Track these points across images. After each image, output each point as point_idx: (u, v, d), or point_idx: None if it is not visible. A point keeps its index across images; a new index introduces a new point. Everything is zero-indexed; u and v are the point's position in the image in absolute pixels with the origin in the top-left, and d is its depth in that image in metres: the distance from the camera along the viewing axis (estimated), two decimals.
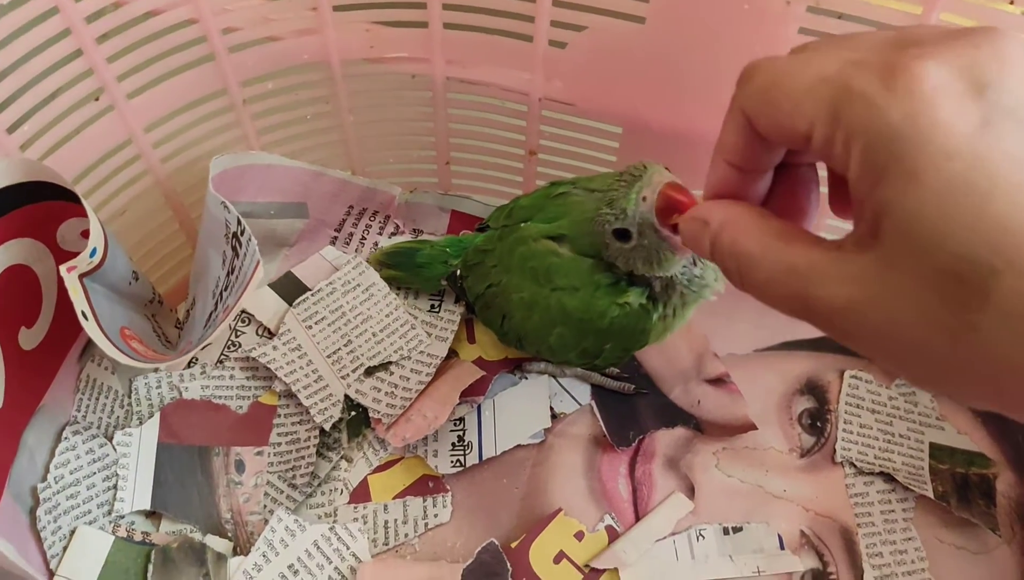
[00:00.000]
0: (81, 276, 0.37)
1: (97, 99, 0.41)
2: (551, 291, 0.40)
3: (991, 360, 0.19)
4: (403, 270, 0.49)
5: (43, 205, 0.39)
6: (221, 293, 0.42)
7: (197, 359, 0.48)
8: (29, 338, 0.41)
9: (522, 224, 0.42)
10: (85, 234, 0.40)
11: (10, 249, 0.38)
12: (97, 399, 0.45)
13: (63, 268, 0.36)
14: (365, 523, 0.44)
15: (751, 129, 0.23)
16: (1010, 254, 0.18)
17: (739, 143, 0.24)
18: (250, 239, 0.39)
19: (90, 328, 0.36)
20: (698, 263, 0.38)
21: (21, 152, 0.39)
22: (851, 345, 0.22)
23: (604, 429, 0.46)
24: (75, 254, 0.37)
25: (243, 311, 0.49)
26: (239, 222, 0.40)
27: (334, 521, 0.44)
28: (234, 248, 0.41)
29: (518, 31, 0.43)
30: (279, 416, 0.46)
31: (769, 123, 0.23)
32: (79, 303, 0.36)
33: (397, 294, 0.50)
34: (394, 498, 0.45)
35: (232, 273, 0.41)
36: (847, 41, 0.22)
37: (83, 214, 0.38)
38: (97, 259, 0.37)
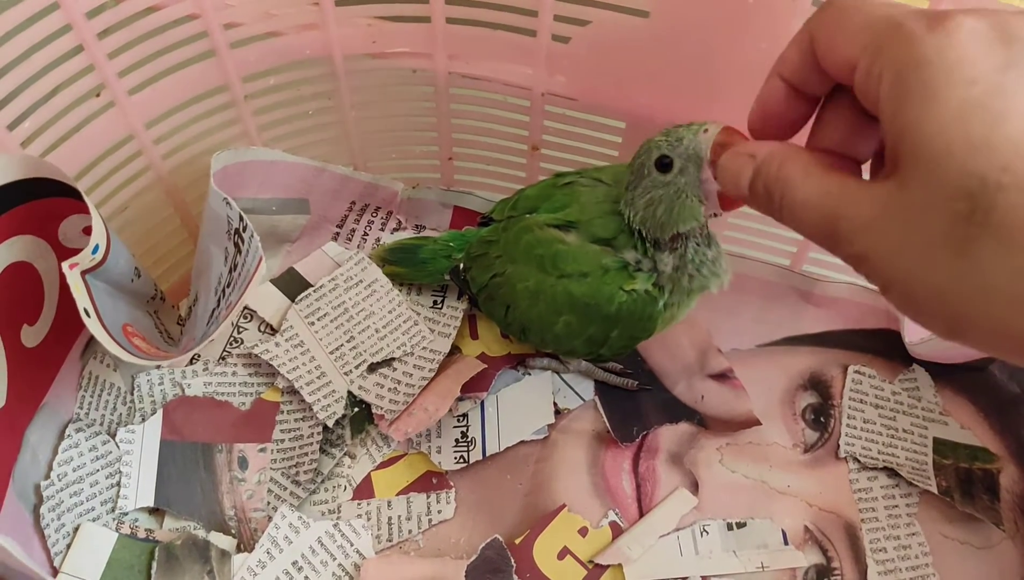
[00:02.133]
0: (83, 273, 0.37)
1: (98, 95, 0.41)
2: (558, 279, 0.40)
3: (986, 277, 0.20)
4: (406, 266, 0.49)
5: (45, 202, 0.38)
6: (224, 289, 0.42)
7: (199, 356, 0.47)
8: (31, 336, 0.41)
9: (528, 214, 0.42)
10: (87, 231, 0.40)
11: (12, 246, 0.38)
12: (100, 396, 0.45)
13: (65, 265, 0.35)
14: (369, 519, 0.44)
15: (811, 50, 0.25)
16: (1016, 172, 0.19)
17: (797, 61, 0.26)
18: (252, 235, 0.39)
19: (92, 325, 0.36)
20: (712, 246, 0.38)
21: (22, 149, 0.39)
22: (863, 268, 0.23)
23: (608, 425, 0.46)
24: (77, 251, 0.37)
25: (245, 307, 0.49)
26: (241, 218, 0.40)
27: (338, 518, 0.44)
28: (236, 244, 0.41)
29: (521, 26, 0.43)
30: (282, 413, 0.46)
31: (828, 46, 0.24)
32: (81, 300, 0.36)
33: (400, 290, 0.49)
34: (398, 494, 0.45)
35: (235, 269, 0.41)
36: None
37: (84, 211, 0.38)
38: (99, 256, 0.37)
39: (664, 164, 0.35)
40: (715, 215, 0.35)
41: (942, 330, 0.22)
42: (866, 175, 0.26)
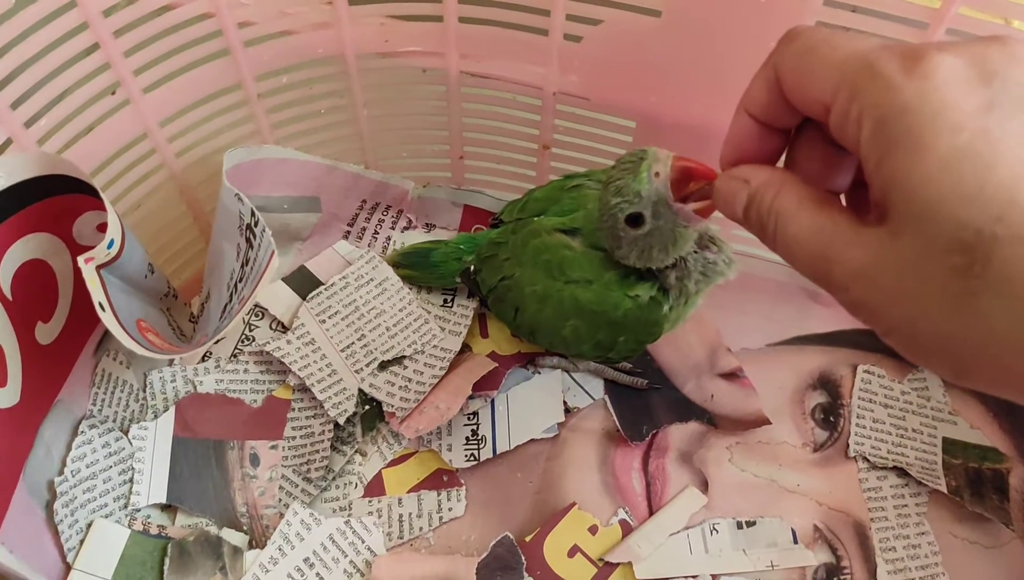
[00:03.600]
0: (98, 268, 0.37)
1: (113, 93, 0.41)
2: (564, 284, 0.40)
3: (988, 326, 0.20)
4: (418, 269, 0.49)
5: (59, 199, 0.39)
6: (236, 285, 0.42)
7: (211, 353, 0.48)
8: (46, 333, 0.41)
9: (536, 217, 0.42)
10: (101, 228, 0.41)
11: (28, 244, 0.38)
12: (112, 393, 0.45)
13: (81, 259, 0.36)
14: (380, 517, 0.44)
15: (778, 88, 0.25)
16: (1011, 222, 0.19)
17: (763, 98, 0.25)
18: (264, 230, 0.39)
19: (107, 319, 0.36)
20: (712, 248, 0.38)
21: (38, 146, 0.39)
22: (861, 315, 0.23)
23: (617, 424, 0.46)
24: (91, 248, 0.37)
25: (256, 305, 0.49)
26: (253, 213, 0.40)
27: (349, 515, 0.44)
28: (248, 240, 0.41)
29: (533, 25, 0.43)
30: (293, 410, 0.46)
31: (795, 86, 0.24)
32: (96, 294, 0.36)
33: (410, 289, 0.50)
34: (408, 492, 0.45)
35: (247, 264, 0.41)
36: None
37: (99, 208, 0.38)
38: (114, 251, 0.37)
39: (635, 220, 0.35)
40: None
41: (948, 375, 0.22)
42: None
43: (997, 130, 0.19)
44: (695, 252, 0.37)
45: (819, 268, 0.23)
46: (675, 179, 0.32)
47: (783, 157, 0.28)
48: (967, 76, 0.20)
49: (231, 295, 0.43)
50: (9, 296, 0.38)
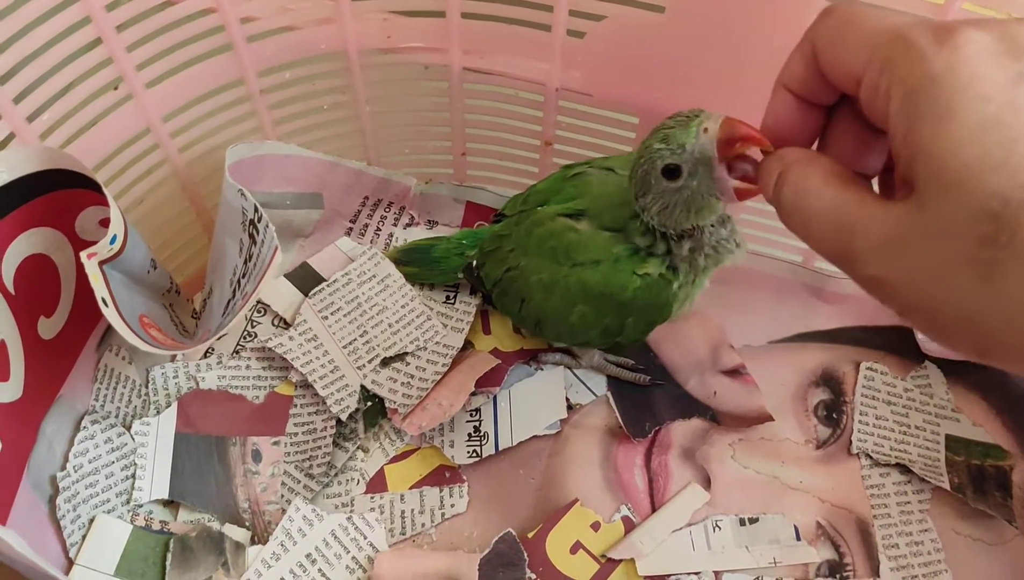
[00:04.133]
0: (101, 263, 0.37)
1: (116, 88, 0.41)
2: (571, 268, 0.40)
3: (1013, 299, 0.20)
4: (420, 266, 0.49)
5: (62, 193, 0.39)
6: (239, 280, 0.42)
7: (213, 349, 0.48)
8: (48, 327, 0.41)
9: (539, 208, 0.42)
10: (103, 223, 0.41)
11: (30, 238, 0.38)
12: (115, 389, 0.45)
13: (84, 254, 0.36)
14: (382, 513, 0.44)
15: (815, 62, 0.25)
16: None
17: (800, 73, 0.25)
18: (267, 226, 0.39)
19: (110, 314, 0.36)
20: (727, 224, 0.38)
21: (40, 141, 0.39)
22: (882, 292, 0.23)
23: (620, 420, 0.46)
24: (93, 243, 0.37)
25: (259, 301, 0.49)
26: (256, 209, 0.40)
27: (351, 511, 0.44)
28: (251, 235, 0.41)
29: (536, 21, 0.43)
30: (295, 406, 0.46)
31: (831, 58, 0.24)
32: (99, 289, 0.36)
33: (412, 286, 0.50)
34: (411, 488, 0.45)
35: (250, 260, 0.41)
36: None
37: (101, 202, 0.38)
38: (117, 246, 0.37)
39: (672, 172, 0.34)
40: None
41: (970, 352, 0.22)
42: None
43: None
44: (712, 226, 0.37)
45: (840, 242, 0.23)
46: (724, 137, 0.31)
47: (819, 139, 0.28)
48: (997, 50, 0.20)
49: (234, 291, 0.43)
50: (12, 290, 0.38)
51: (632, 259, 0.38)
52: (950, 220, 0.20)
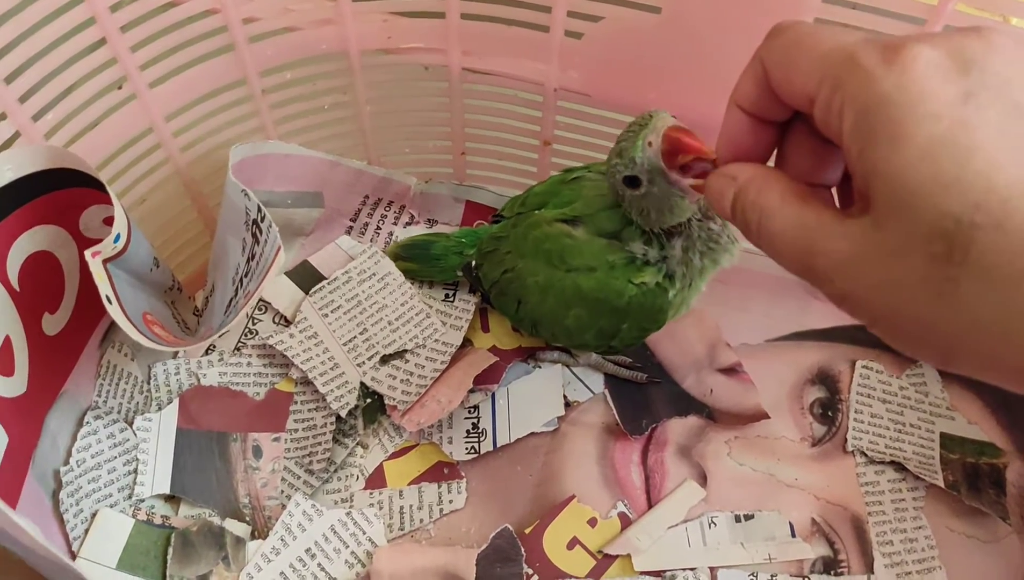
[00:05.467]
0: (105, 261, 0.37)
1: (120, 88, 0.41)
2: (566, 273, 0.40)
3: (970, 313, 0.20)
4: (419, 262, 0.49)
5: (66, 192, 0.39)
6: (241, 279, 0.43)
7: (215, 346, 0.48)
8: (52, 324, 0.41)
9: (536, 210, 0.43)
10: (107, 221, 0.41)
11: (35, 236, 0.39)
12: (117, 385, 0.46)
13: (88, 253, 0.36)
14: (381, 508, 0.44)
15: (766, 81, 0.25)
16: (989, 209, 0.19)
17: (753, 92, 0.26)
18: (271, 226, 0.39)
19: (114, 312, 0.37)
20: (716, 218, 0.38)
21: (45, 140, 0.40)
22: (846, 306, 0.23)
23: (617, 417, 0.47)
24: (97, 241, 0.37)
25: (260, 299, 0.49)
26: (259, 209, 0.40)
27: (350, 506, 0.44)
28: (254, 234, 0.41)
29: (534, 22, 0.43)
30: (296, 403, 0.47)
31: (782, 78, 0.24)
32: (103, 287, 0.36)
33: (412, 284, 0.50)
34: (409, 484, 0.45)
35: (252, 259, 0.42)
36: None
37: (105, 201, 0.39)
38: (121, 245, 0.38)
39: (632, 182, 0.36)
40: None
41: (934, 361, 0.22)
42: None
43: (975, 119, 0.20)
44: (699, 220, 0.38)
45: (803, 262, 0.23)
46: (666, 150, 0.33)
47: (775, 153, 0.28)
48: (945, 66, 0.20)
49: (236, 289, 0.43)
50: (16, 287, 0.39)
51: (628, 268, 0.39)
52: (905, 239, 0.20)
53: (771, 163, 0.28)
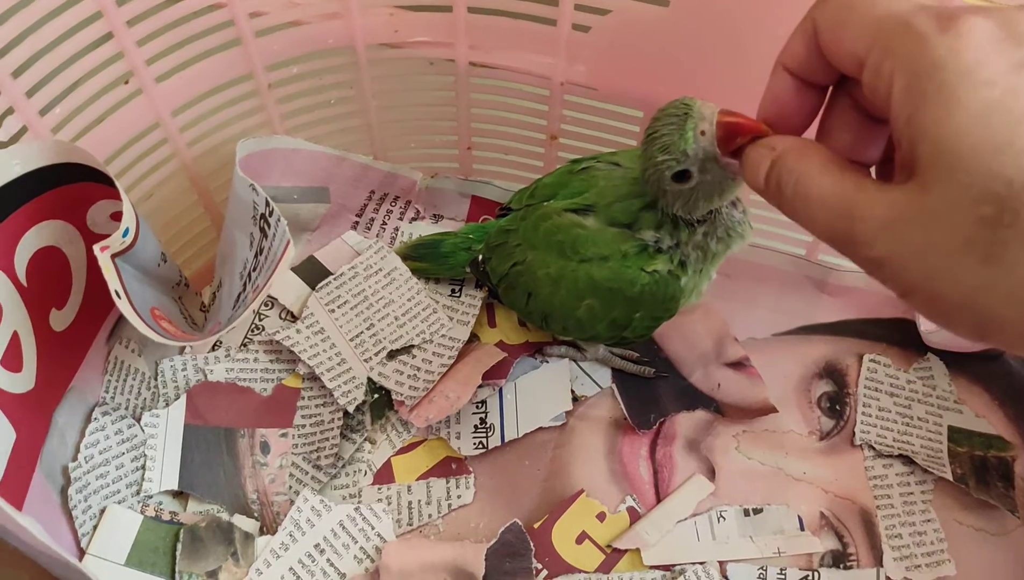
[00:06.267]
0: (113, 256, 0.37)
1: (126, 82, 0.41)
2: (579, 263, 0.40)
3: (1015, 278, 0.20)
4: (428, 261, 0.49)
5: (74, 187, 0.39)
6: (250, 274, 0.43)
7: (221, 342, 0.48)
8: (60, 319, 0.41)
9: (545, 202, 0.42)
10: (114, 216, 0.41)
11: (42, 231, 0.39)
12: (125, 381, 0.46)
13: (96, 248, 0.36)
14: (389, 504, 0.44)
15: (816, 42, 0.25)
16: None
17: (801, 52, 0.26)
18: (279, 220, 0.39)
19: (123, 306, 0.37)
20: (739, 206, 0.38)
21: (52, 134, 0.40)
22: (883, 273, 0.23)
23: (625, 412, 0.47)
24: (104, 236, 0.37)
25: (267, 295, 0.49)
26: (267, 204, 0.40)
27: (359, 502, 0.44)
28: (262, 229, 0.41)
29: (542, 15, 0.43)
30: (303, 398, 0.47)
31: (833, 40, 0.24)
32: (112, 282, 0.36)
33: (418, 279, 0.50)
34: (417, 479, 0.45)
35: (261, 254, 0.41)
36: None
37: (112, 196, 0.39)
38: (129, 240, 0.38)
39: (681, 176, 0.34)
40: None
41: (970, 333, 0.22)
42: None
43: None
44: (726, 207, 0.37)
45: (841, 227, 0.23)
46: (722, 136, 0.31)
47: (815, 127, 0.28)
48: (999, 36, 0.21)
49: (244, 284, 0.43)
50: (24, 282, 0.38)
51: (640, 256, 0.39)
52: (952, 202, 0.20)
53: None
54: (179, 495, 0.44)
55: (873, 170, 0.27)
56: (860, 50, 0.23)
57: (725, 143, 0.31)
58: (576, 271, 0.40)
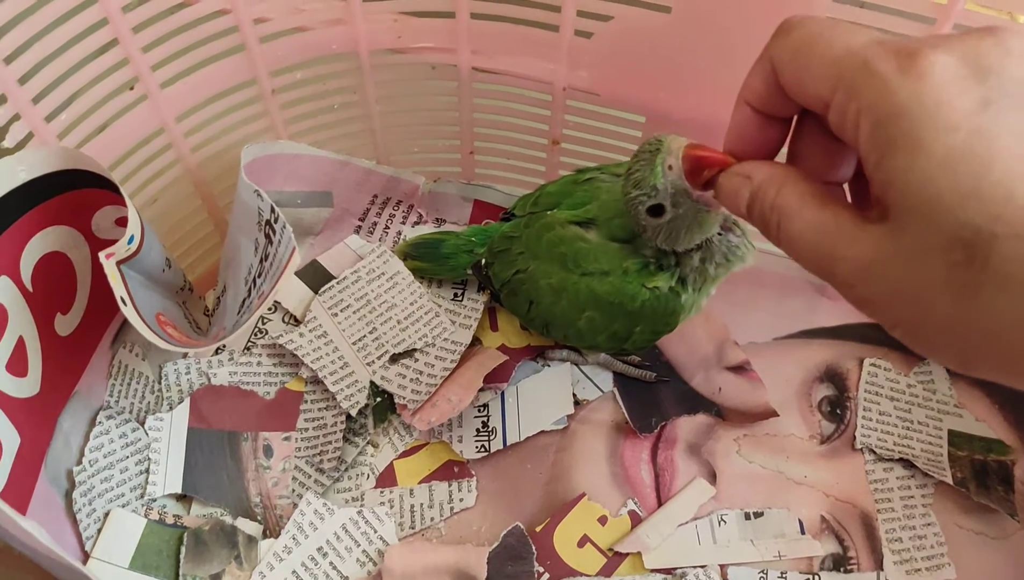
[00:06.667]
0: (119, 263, 0.38)
1: (132, 88, 0.41)
2: (580, 276, 0.40)
3: (989, 320, 0.20)
4: (429, 261, 0.49)
5: (79, 193, 0.39)
6: (254, 279, 0.43)
7: (224, 346, 0.48)
8: (64, 324, 0.42)
9: (549, 211, 0.43)
10: (119, 222, 0.41)
11: (47, 236, 0.39)
12: (128, 385, 0.46)
13: (102, 255, 0.36)
14: (392, 507, 0.44)
15: (775, 80, 0.25)
16: (1009, 220, 0.19)
17: (762, 90, 0.25)
18: (284, 226, 0.39)
19: (128, 313, 0.37)
20: (736, 230, 0.38)
21: (58, 141, 0.40)
22: (866, 310, 0.23)
23: (626, 416, 0.47)
24: (109, 242, 0.37)
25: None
26: (273, 209, 0.41)
27: (361, 505, 0.44)
28: (267, 235, 0.41)
29: (544, 21, 0.44)
30: (306, 402, 0.47)
31: (795, 81, 0.24)
32: (118, 289, 0.36)
33: (421, 283, 0.50)
34: (420, 483, 0.45)
35: (266, 259, 0.42)
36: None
37: (117, 202, 0.39)
38: (134, 246, 0.38)
39: (656, 210, 0.35)
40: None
41: (953, 365, 0.22)
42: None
43: (993, 128, 0.20)
44: (720, 234, 0.38)
45: (823, 265, 0.23)
46: (688, 170, 0.32)
47: (785, 147, 0.28)
48: (962, 73, 0.20)
49: (249, 290, 0.43)
50: (30, 287, 0.39)
51: (641, 273, 0.39)
52: (924, 247, 0.20)
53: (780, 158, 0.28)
54: (183, 498, 0.44)
55: (847, 187, 0.27)
56: (823, 91, 0.23)
57: (693, 176, 0.32)
58: (577, 284, 0.40)
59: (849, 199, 0.27)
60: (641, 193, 0.35)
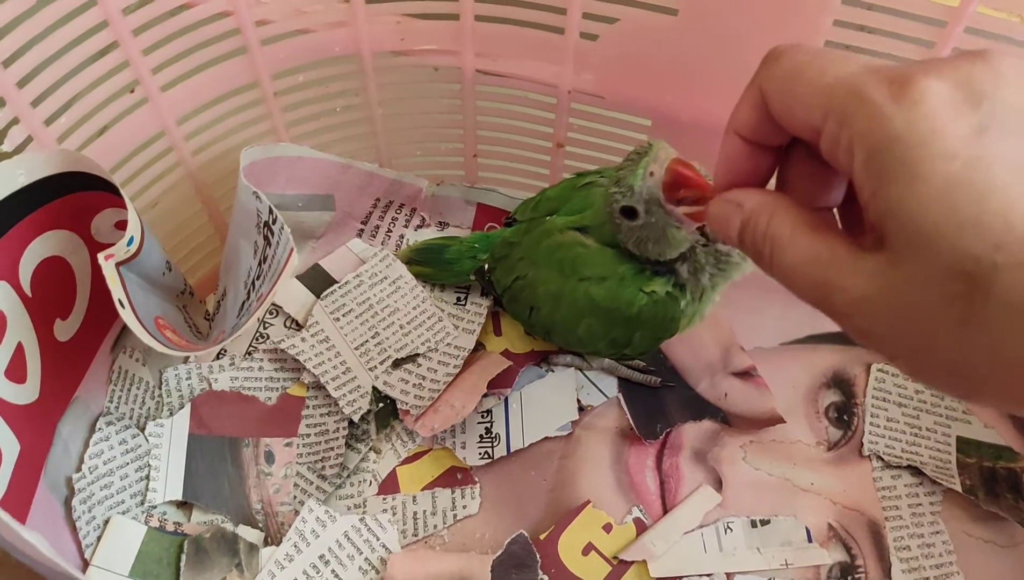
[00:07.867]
0: (118, 265, 0.37)
1: (132, 91, 0.41)
2: (578, 282, 0.40)
3: (994, 351, 0.20)
4: (432, 266, 0.49)
5: (78, 196, 0.39)
6: (254, 282, 0.43)
7: (226, 350, 0.48)
8: (64, 330, 0.41)
9: (548, 217, 0.42)
10: (119, 225, 0.41)
11: (46, 241, 0.39)
12: (129, 390, 0.45)
13: (101, 256, 0.36)
14: (394, 514, 0.44)
15: (764, 108, 0.24)
16: (1010, 249, 0.19)
17: (751, 119, 0.25)
18: (282, 228, 0.39)
19: (127, 316, 0.36)
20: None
21: (58, 144, 0.40)
22: (865, 342, 0.22)
23: (631, 422, 0.46)
24: (109, 246, 0.37)
25: (271, 303, 0.49)
26: (271, 211, 0.40)
27: (364, 512, 0.44)
28: (266, 237, 0.41)
29: (549, 23, 0.43)
30: (308, 408, 0.47)
31: (783, 109, 0.23)
32: (116, 291, 0.36)
33: (424, 287, 0.50)
34: (423, 489, 0.45)
35: (265, 262, 0.41)
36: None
37: (117, 205, 0.39)
38: (134, 248, 0.38)
39: (629, 213, 0.35)
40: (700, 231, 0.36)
41: (957, 395, 0.22)
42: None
43: (989, 154, 0.19)
44: (704, 245, 0.37)
45: (819, 295, 0.23)
46: (667, 182, 0.32)
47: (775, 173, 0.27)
48: (956, 99, 0.20)
49: (249, 293, 0.43)
50: (28, 293, 0.38)
51: (638, 278, 0.39)
52: (923, 279, 0.20)
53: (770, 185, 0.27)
54: (183, 505, 0.44)
55: (836, 211, 0.26)
56: (814, 120, 0.22)
57: (669, 189, 0.32)
58: (576, 290, 0.40)
59: (839, 224, 0.26)
60: (618, 191, 0.35)
